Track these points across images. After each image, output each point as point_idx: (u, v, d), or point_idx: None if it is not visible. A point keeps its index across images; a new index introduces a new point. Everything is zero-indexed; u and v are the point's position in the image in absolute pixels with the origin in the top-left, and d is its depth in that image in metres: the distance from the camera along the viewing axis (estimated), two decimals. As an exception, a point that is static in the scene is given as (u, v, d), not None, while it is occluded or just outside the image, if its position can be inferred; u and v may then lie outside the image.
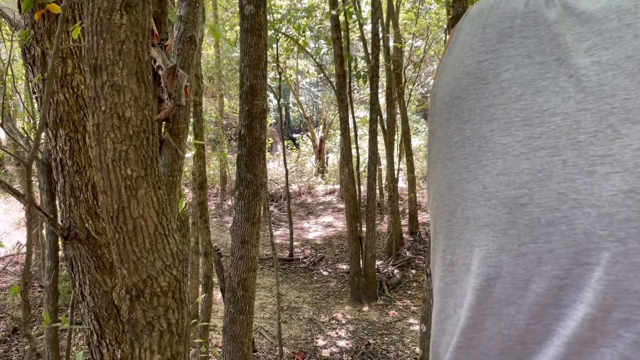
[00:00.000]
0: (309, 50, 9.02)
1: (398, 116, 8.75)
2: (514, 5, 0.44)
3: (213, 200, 12.56)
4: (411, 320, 5.69)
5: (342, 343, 5.20)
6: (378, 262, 7.25)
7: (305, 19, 7.22)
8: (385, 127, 7.59)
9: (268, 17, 4.42)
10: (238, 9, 3.09)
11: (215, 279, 4.25)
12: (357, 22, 6.81)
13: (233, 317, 2.93)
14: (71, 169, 1.58)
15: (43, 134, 1.54)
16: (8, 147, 6.31)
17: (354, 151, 6.78)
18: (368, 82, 6.36)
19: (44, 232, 4.24)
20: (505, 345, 0.38)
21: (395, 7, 7.99)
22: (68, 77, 1.54)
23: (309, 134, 15.72)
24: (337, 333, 5.45)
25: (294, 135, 19.43)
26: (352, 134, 6.83)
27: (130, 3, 0.92)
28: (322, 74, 12.03)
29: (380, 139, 7.98)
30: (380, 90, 7.70)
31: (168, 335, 1.08)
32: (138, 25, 0.94)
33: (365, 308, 6.09)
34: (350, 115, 6.54)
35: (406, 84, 8.83)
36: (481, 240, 0.39)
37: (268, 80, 4.60)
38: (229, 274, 2.97)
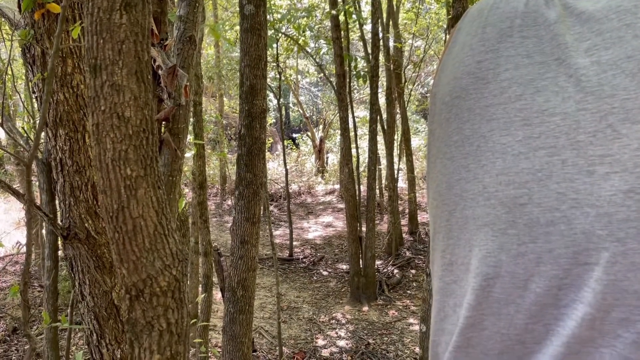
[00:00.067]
0: (309, 50, 9.02)
1: (398, 116, 8.75)
2: (513, 5, 0.44)
3: (213, 200, 12.56)
4: (411, 320, 5.70)
5: (341, 343, 5.20)
6: (378, 262, 7.26)
7: (305, 18, 7.22)
8: (385, 127, 7.60)
9: (268, 16, 4.42)
10: (238, 8, 3.09)
11: (215, 279, 4.25)
12: (357, 22, 6.81)
13: (233, 316, 2.93)
14: (71, 169, 1.58)
15: (43, 134, 1.54)
16: (8, 146, 6.31)
17: (353, 151, 6.78)
18: (368, 82, 6.36)
19: (43, 231, 4.24)
20: (504, 344, 0.38)
21: (395, 7, 7.99)
22: (68, 76, 1.54)
23: (309, 133, 15.73)
24: (336, 333, 5.45)
25: (294, 135, 19.43)
26: (352, 133, 6.83)
27: (130, 3, 0.92)
28: (322, 74, 12.04)
29: (380, 138, 7.98)
30: (380, 90, 7.70)
31: (167, 335, 1.08)
32: (138, 25, 0.94)
33: (365, 308, 6.09)
34: (350, 115, 6.54)
35: (406, 83, 8.83)
36: (480, 240, 0.40)
37: (268, 80, 4.60)
38: (229, 273, 2.97)
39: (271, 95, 13.60)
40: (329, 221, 10.76)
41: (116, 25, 0.92)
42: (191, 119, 3.62)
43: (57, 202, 1.71)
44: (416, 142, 14.22)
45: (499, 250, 0.38)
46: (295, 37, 7.43)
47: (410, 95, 10.81)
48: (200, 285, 4.02)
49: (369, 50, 6.43)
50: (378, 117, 6.58)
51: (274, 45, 7.08)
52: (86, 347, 1.75)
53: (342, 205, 10.99)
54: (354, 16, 6.36)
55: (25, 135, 1.96)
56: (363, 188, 8.63)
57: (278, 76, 8.29)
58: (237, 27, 7.88)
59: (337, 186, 12.93)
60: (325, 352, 5.00)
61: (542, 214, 0.37)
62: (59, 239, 1.87)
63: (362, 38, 7.17)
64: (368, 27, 7.44)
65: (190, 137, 3.87)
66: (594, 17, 0.40)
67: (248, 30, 2.75)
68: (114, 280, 1.63)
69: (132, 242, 1.00)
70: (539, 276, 0.36)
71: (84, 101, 1.56)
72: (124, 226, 0.99)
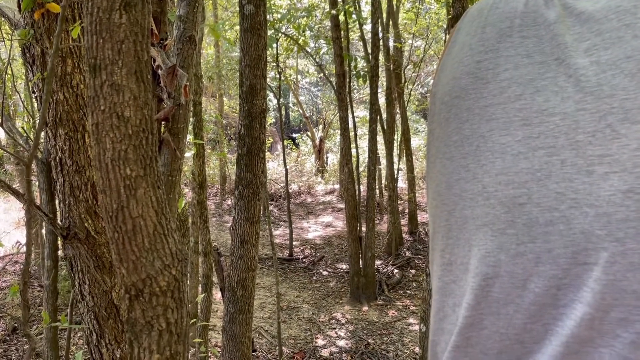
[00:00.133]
0: (309, 50, 9.02)
1: (398, 116, 8.75)
2: (513, 5, 0.44)
3: (213, 200, 12.56)
4: (411, 320, 5.70)
5: (341, 343, 5.20)
6: (377, 262, 7.26)
7: (305, 18, 7.22)
8: (385, 127, 7.60)
9: (268, 16, 4.42)
10: (238, 8, 3.09)
11: (214, 279, 4.25)
12: (357, 22, 6.81)
13: (232, 316, 2.93)
14: (71, 169, 1.58)
15: (42, 134, 1.54)
16: (8, 146, 6.31)
17: (353, 151, 6.78)
18: (368, 81, 6.36)
19: (43, 231, 4.24)
20: (503, 344, 0.38)
21: (395, 7, 7.99)
22: (67, 76, 1.54)
23: (309, 133, 15.73)
24: (336, 333, 5.45)
25: (294, 135, 19.44)
26: (351, 133, 6.83)
27: (129, 2, 0.92)
28: (321, 74, 12.03)
29: (380, 138, 7.98)
30: (380, 90, 7.70)
31: (167, 334, 1.08)
32: (137, 25, 0.94)
33: (365, 308, 6.09)
34: (350, 115, 6.54)
35: (406, 83, 8.84)
36: (480, 240, 0.40)
37: (268, 79, 4.59)
38: (229, 273, 2.97)
39: (271, 95, 13.60)
40: (328, 221, 10.77)
41: (116, 25, 0.92)
42: (191, 119, 3.62)
43: (56, 201, 1.71)
44: (416, 142, 14.22)
45: (498, 250, 0.38)
46: (295, 37, 7.43)
47: (410, 95, 10.82)
48: (200, 285, 4.02)
49: (369, 50, 6.43)
50: (378, 117, 6.58)
51: (274, 45, 7.08)
52: (86, 346, 1.75)
53: (341, 205, 10.99)
54: (353, 16, 6.36)
55: (25, 134, 1.96)
56: (363, 188, 8.63)
57: (278, 76, 8.29)
58: (237, 27, 7.88)
59: (337, 186, 12.93)
60: (325, 352, 5.00)
61: (541, 213, 0.37)
62: (59, 238, 1.87)
63: (362, 38, 7.17)
64: (368, 27, 7.44)
65: (190, 137, 3.87)
66: (594, 17, 0.40)
67: (248, 30, 2.75)
68: (114, 280, 1.63)
69: (131, 241, 1.00)
70: (538, 276, 0.36)
71: (83, 101, 1.56)
72: (124, 226, 0.99)
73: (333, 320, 5.79)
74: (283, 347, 4.85)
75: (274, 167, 14.47)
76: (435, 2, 8.69)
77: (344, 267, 7.56)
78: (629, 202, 0.33)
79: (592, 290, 0.34)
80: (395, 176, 7.93)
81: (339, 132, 7.92)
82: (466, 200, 0.42)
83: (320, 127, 16.21)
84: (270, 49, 6.96)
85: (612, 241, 0.34)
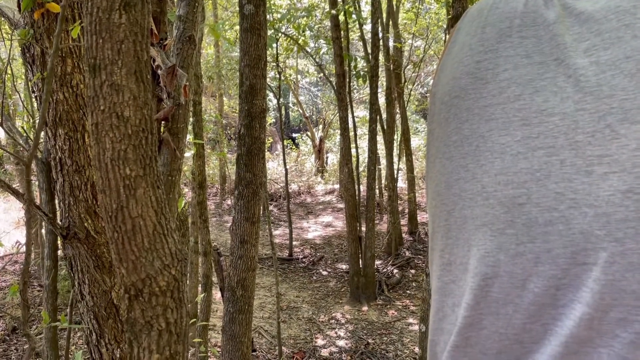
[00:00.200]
0: (309, 50, 9.02)
1: (398, 116, 8.75)
2: (513, 6, 0.44)
3: (212, 200, 12.56)
4: (410, 320, 5.70)
5: (341, 343, 5.20)
6: (377, 262, 7.26)
7: (305, 18, 7.22)
8: (385, 127, 7.60)
9: (268, 16, 4.42)
10: (238, 8, 3.09)
11: (214, 279, 4.25)
12: (356, 22, 6.81)
13: (232, 316, 2.93)
14: (70, 168, 1.58)
15: (42, 133, 1.54)
16: (7, 146, 6.31)
17: (353, 151, 6.78)
18: (368, 81, 6.36)
19: (43, 231, 4.24)
20: (502, 344, 0.38)
21: (395, 7, 7.99)
22: (67, 76, 1.54)
23: (309, 133, 15.73)
24: (336, 333, 5.45)
25: (294, 135, 19.44)
26: (351, 133, 6.83)
27: (129, 2, 0.92)
28: (321, 74, 12.04)
29: (379, 138, 7.98)
30: (379, 90, 7.70)
31: (167, 334, 1.08)
32: (137, 25, 0.94)
33: (365, 308, 6.09)
34: (349, 115, 6.54)
35: (406, 83, 8.84)
36: (479, 240, 0.40)
37: (268, 79, 4.59)
38: (228, 273, 2.97)
39: (271, 95, 13.60)
40: (328, 221, 10.77)
41: (115, 25, 0.92)
42: (191, 119, 3.62)
43: (56, 201, 1.71)
44: (416, 142, 14.23)
45: (497, 250, 0.38)
46: (295, 36, 7.43)
47: (410, 95, 10.82)
48: (200, 285, 4.02)
49: (369, 50, 6.43)
50: (378, 117, 6.58)
51: (274, 45, 7.08)
52: (85, 346, 1.75)
53: (341, 205, 10.99)
54: (353, 16, 6.36)
55: (24, 134, 1.96)
56: (363, 188, 8.63)
57: (278, 76, 8.29)
58: (237, 27, 7.88)
59: (337, 186, 12.94)
60: (324, 352, 5.00)
61: (540, 213, 0.37)
62: (59, 238, 1.87)
63: (362, 38, 7.17)
64: (368, 27, 7.44)
65: (189, 137, 3.87)
66: (593, 18, 0.40)
67: (248, 30, 2.75)
68: (114, 280, 1.63)
69: (131, 241, 1.00)
70: (537, 276, 0.36)
71: (83, 101, 1.56)
72: (123, 226, 0.99)
73: (333, 320, 5.79)
74: (283, 347, 4.85)
75: (273, 167, 14.47)
76: (435, 2, 8.69)
77: (344, 267, 7.56)
78: (628, 202, 0.33)
79: (591, 291, 0.34)
80: (395, 176, 7.94)
81: (338, 132, 7.92)
82: (465, 200, 0.42)
83: (320, 127, 16.21)
84: (270, 49, 6.96)
85: (611, 241, 0.34)
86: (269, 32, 5.67)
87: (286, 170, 8.04)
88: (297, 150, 17.12)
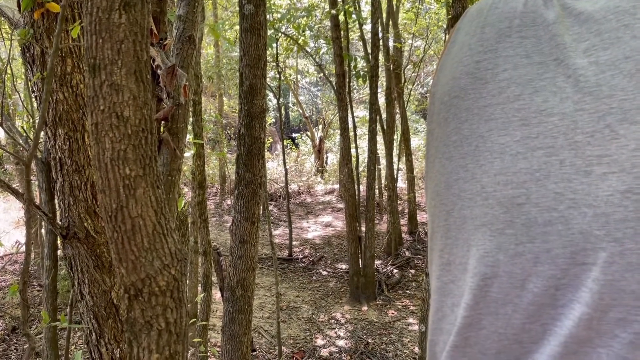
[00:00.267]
0: (309, 50, 9.02)
1: (397, 116, 8.75)
2: (512, 6, 0.44)
3: (212, 200, 12.56)
4: (410, 320, 5.70)
5: (341, 343, 5.20)
6: (377, 262, 7.26)
7: (305, 18, 7.22)
8: (385, 127, 7.60)
9: (268, 16, 4.42)
10: (238, 8, 3.09)
11: (214, 278, 4.25)
12: (356, 22, 6.81)
13: (232, 316, 2.93)
14: (70, 168, 1.58)
15: (42, 133, 1.54)
16: (7, 146, 6.31)
17: (353, 151, 6.78)
18: (367, 81, 6.36)
19: (43, 231, 4.24)
20: (501, 344, 0.38)
21: (395, 7, 7.99)
22: (67, 76, 1.54)
23: (309, 133, 15.73)
24: (336, 332, 5.45)
25: (294, 135, 19.44)
26: (351, 133, 6.83)
27: (129, 2, 0.92)
28: (321, 74, 12.03)
29: (379, 138, 7.98)
30: (379, 90, 7.70)
31: (166, 334, 1.08)
32: (137, 25, 0.94)
33: (364, 308, 6.09)
34: (349, 115, 6.54)
35: (406, 83, 8.84)
36: (478, 240, 0.40)
37: (267, 79, 4.59)
38: (228, 273, 2.97)
39: (271, 95, 13.60)
40: (328, 221, 10.77)
41: (115, 25, 0.92)
42: (190, 119, 3.62)
43: (56, 201, 1.70)
44: (416, 142, 14.23)
45: (496, 250, 0.38)
46: (295, 36, 7.43)
47: (409, 95, 10.82)
48: (200, 285, 4.02)
49: (369, 50, 6.43)
50: (377, 117, 6.58)
51: (274, 45, 7.08)
52: (85, 346, 1.75)
53: (341, 205, 10.99)
54: (353, 16, 6.36)
55: (24, 134, 1.96)
56: (362, 188, 8.63)
57: (278, 76, 8.29)
58: (237, 27, 7.88)
59: (337, 186, 12.94)
60: (324, 352, 5.00)
61: (539, 214, 0.37)
62: (58, 238, 1.87)
63: (361, 38, 7.17)
64: (368, 27, 7.44)
65: (189, 137, 3.87)
66: (593, 18, 0.40)
67: (247, 29, 2.75)
68: (113, 280, 1.63)
69: (131, 241, 1.00)
70: (536, 276, 0.36)
71: (83, 100, 1.56)
72: (123, 225, 0.99)
73: (332, 320, 5.79)
74: (282, 347, 4.85)
75: (273, 166, 14.47)
76: (435, 2, 8.70)
77: (344, 267, 7.56)
78: (627, 202, 0.33)
79: (590, 291, 0.34)
80: (395, 176, 7.94)
81: (338, 132, 7.92)
82: (465, 200, 0.42)
83: (320, 127, 16.21)
84: (270, 49, 6.95)
85: (610, 241, 0.34)
86: (269, 32, 5.67)
87: (286, 170, 8.04)
88: (297, 150, 17.12)
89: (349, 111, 6.51)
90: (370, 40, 6.26)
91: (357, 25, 7.35)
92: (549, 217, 0.36)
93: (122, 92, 0.94)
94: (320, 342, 5.24)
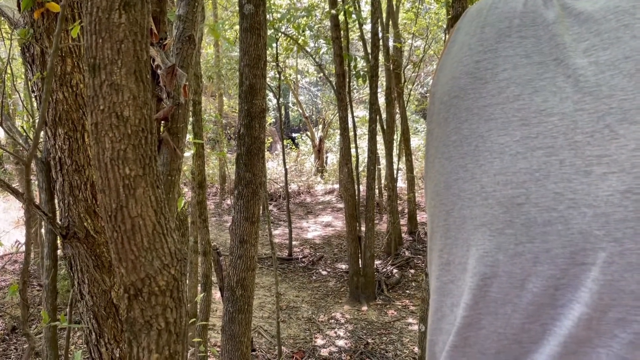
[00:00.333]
0: (309, 50, 9.02)
1: (397, 116, 8.75)
2: (512, 5, 0.44)
3: (212, 200, 12.56)
4: (410, 320, 5.70)
5: (340, 342, 5.21)
6: (377, 262, 7.26)
7: (304, 18, 7.22)
8: (385, 127, 7.60)
9: (268, 16, 4.42)
10: (238, 8, 3.09)
11: (214, 278, 4.25)
12: (356, 22, 6.81)
13: (232, 316, 2.93)
14: (70, 168, 1.58)
15: (42, 133, 1.54)
16: (7, 145, 6.31)
17: (353, 151, 6.78)
18: (367, 81, 6.36)
19: (42, 230, 4.24)
20: (501, 344, 0.38)
21: (394, 7, 7.99)
22: (67, 75, 1.54)
23: (309, 133, 15.73)
24: (335, 332, 5.45)
25: (294, 135, 19.44)
26: (351, 133, 6.83)
27: (129, 2, 0.92)
28: (321, 74, 12.03)
29: (379, 138, 7.98)
30: (379, 90, 7.70)
31: (166, 334, 1.08)
32: (137, 25, 0.94)
33: (364, 307, 6.09)
34: (349, 115, 6.54)
35: (405, 83, 8.84)
36: (478, 240, 0.40)
37: (267, 79, 4.59)
38: (228, 273, 2.97)
39: (271, 95, 13.60)
40: (328, 221, 10.77)
41: (115, 25, 0.92)
42: (190, 119, 3.62)
43: (56, 201, 1.70)
44: (415, 142, 14.24)
45: (496, 250, 0.38)
46: (294, 36, 7.43)
47: (409, 95, 10.82)
48: (199, 285, 4.02)
49: (369, 50, 6.42)
50: (377, 117, 6.58)
51: (274, 45, 7.08)
52: (85, 346, 1.75)
53: (341, 205, 10.99)
54: (353, 16, 6.36)
55: (24, 134, 1.96)
56: (362, 188, 8.63)
57: (278, 76, 8.29)
58: (237, 27, 7.88)
59: (337, 186, 12.94)
60: (324, 352, 5.00)
61: (539, 213, 0.37)
62: (58, 238, 1.87)
63: (361, 38, 7.17)
64: (368, 27, 7.44)
65: (189, 137, 3.87)
66: (593, 18, 0.40)
67: (247, 29, 2.75)
68: (113, 280, 1.63)
69: (130, 241, 1.00)
70: (536, 276, 0.36)
71: (83, 100, 1.56)
72: (123, 225, 0.99)
73: (332, 320, 5.79)
74: (282, 347, 4.85)
75: (273, 166, 14.47)
76: (435, 2, 8.70)
77: (344, 266, 7.56)
78: (627, 202, 0.33)
79: (590, 291, 0.34)
80: (395, 176, 7.94)
81: (338, 132, 7.92)
82: (464, 200, 0.42)
83: (320, 126, 16.21)
84: (270, 49, 6.95)
85: (610, 241, 0.34)
86: (269, 32, 5.67)
87: (286, 170, 8.04)
88: (296, 150, 17.12)
89: (349, 111, 6.51)
90: (370, 40, 6.26)
91: (357, 25, 7.35)
92: (548, 217, 0.36)
93: (122, 91, 0.94)
94: (320, 342, 5.24)
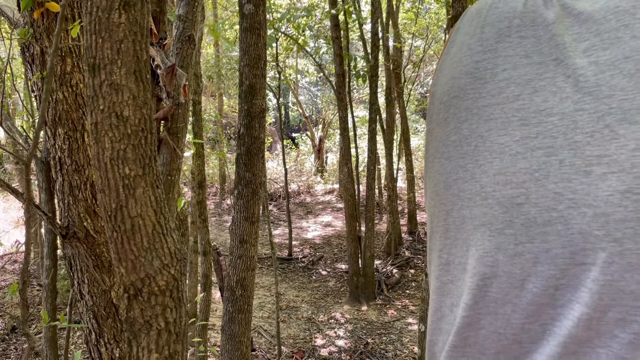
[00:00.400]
0: (309, 50, 9.02)
1: (397, 116, 8.76)
2: (512, 5, 0.44)
3: (212, 200, 12.56)
4: (410, 320, 5.70)
5: (340, 342, 5.21)
6: (377, 262, 7.26)
7: (304, 18, 7.22)
8: (385, 127, 7.60)
9: (267, 16, 4.41)
10: (237, 7, 3.09)
11: (214, 278, 4.25)
12: (356, 22, 6.81)
13: (232, 316, 2.93)
14: (70, 168, 1.58)
15: (42, 133, 1.54)
16: (7, 145, 6.31)
17: (353, 151, 6.78)
18: (367, 81, 6.36)
19: (42, 230, 4.24)
20: (501, 344, 0.38)
21: (394, 7, 7.99)
22: (67, 75, 1.54)
23: (308, 133, 15.73)
24: (335, 332, 5.45)
25: (293, 135, 19.44)
26: (351, 133, 6.83)
27: (128, 2, 0.92)
28: (321, 74, 12.03)
29: (379, 138, 7.98)
30: (379, 90, 7.70)
31: (166, 334, 1.08)
32: (136, 24, 0.94)
33: (364, 307, 6.09)
34: (349, 115, 6.54)
35: (405, 83, 8.83)
36: (477, 240, 0.40)
37: (267, 79, 4.59)
38: (228, 273, 2.97)
39: (270, 95, 13.60)
40: (328, 221, 10.77)
41: (115, 25, 0.92)
42: (190, 118, 3.62)
43: (56, 201, 1.70)
44: (415, 141, 14.24)
45: (495, 250, 0.38)
46: (294, 36, 7.43)
47: (409, 95, 10.82)
48: (199, 285, 4.02)
49: (369, 50, 6.42)
50: (377, 117, 6.58)
51: (274, 45, 7.08)
52: (85, 346, 1.75)
53: (341, 205, 10.99)
54: (353, 16, 6.36)
55: (24, 134, 1.96)
56: (362, 188, 8.63)
57: (277, 75, 8.29)
58: (237, 27, 7.88)
59: (337, 186, 12.94)
60: (324, 352, 5.00)
61: (539, 213, 0.37)
62: (58, 237, 1.87)
63: (361, 37, 7.17)
64: (368, 27, 7.44)
65: (189, 136, 3.87)
66: (593, 18, 0.40)
67: (247, 29, 2.75)
68: (113, 279, 1.63)
69: (130, 241, 1.00)
70: (535, 276, 0.36)
71: (83, 100, 1.56)
72: (123, 225, 0.99)
73: (332, 320, 5.79)
74: (282, 347, 4.85)
75: (273, 166, 14.47)
76: (435, 2, 8.70)
77: (343, 266, 7.56)
78: (627, 202, 0.33)
79: (589, 291, 0.34)
80: (395, 176, 7.94)
81: (338, 131, 7.92)
82: (464, 200, 0.42)
83: (320, 126, 16.21)
84: (269, 49, 6.95)
85: (610, 241, 0.34)
86: (269, 32, 5.67)
87: (286, 170, 8.04)
88: (296, 150, 17.12)
89: (349, 111, 6.51)
90: (370, 40, 6.26)
91: (357, 25, 7.35)
92: (548, 217, 0.36)
93: (121, 91, 0.94)
94: (319, 341, 5.24)
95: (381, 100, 8.48)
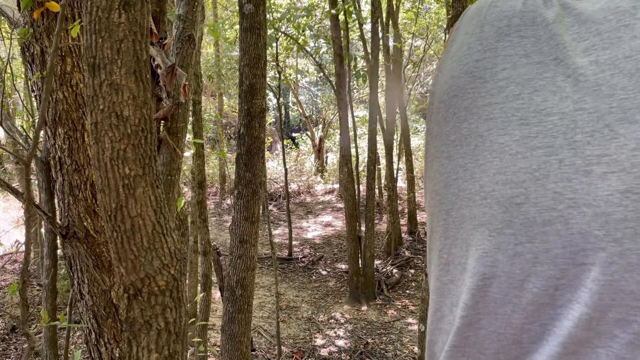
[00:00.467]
0: (309, 50, 9.02)
1: (397, 116, 8.76)
2: (512, 5, 0.44)
3: (212, 199, 12.56)
4: (410, 320, 5.70)
5: (340, 342, 5.20)
6: (377, 262, 7.26)
7: (305, 18, 7.21)
8: (385, 127, 7.60)
9: (268, 15, 4.41)
10: (237, 7, 3.09)
11: (214, 278, 4.25)
12: (356, 22, 6.81)
13: (232, 316, 2.93)
14: (70, 168, 1.58)
15: (42, 132, 1.54)
16: (7, 145, 6.31)
17: (353, 150, 6.78)
18: (367, 81, 6.36)
19: (42, 230, 4.24)
20: (500, 344, 0.38)
21: (395, 7, 7.99)
22: (67, 75, 1.54)
23: (309, 133, 15.73)
24: (335, 332, 5.45)
25: (294, 135, 19.44)
26: (351, 133, 6.83)
27: (128, 2, 0.92)
28: (321, 73, 12.03)
29: (379, 138, 7.98)
30: (379, 90, 7.69)
31: (166, 334, 1.08)
32: (136, 24, 0.94)
33: (364, 307, 6.09)
34: (349, 115, 6.54)
35: (405, 83, 8.83)
36: (477, 240, 0.39)
37: (267, 79, 4.59)
38: (228, 273, 2.97)
39: (271, 95, 13.60)
40: (328, 221, 10.76)
41: (115, 25, 0.92)
42: (190, 118, 3.62)
43: (56, 200, 1.70)
44: (415, 141, 14.24)
45: (495, 250, 0.38)
46: (294, 36, 7.43)
47: (409, 95, 10.81)
48: (199, 285, 4.02)
49: (369, 50, 6.42)
50: (377, 117, 6.58)
51: (274, 45, 7.08)
52: (85, 345, 1.75)
53: (341, 205, 10.99)
54: (353, 15, 6.36)
55: (24, 133, 1.96)
56: (362, 187, 8.63)
57: (278, 75, 8.29)
58: (237, 26, 7.88)
59: (337, 186, 12.94)
60: (324, 352, 5.00)
61: (539, 213, 0.37)
62: (58, 237, 1.87)
63: (361, 37, 7.17)
64: (368, 27, 7.44)
65: (189, 136, 3.87)
66: (593, 18, 0.40)
67: (247, 29, 2.75)
68: (113, 279, 1.63)
69: (130, 241, 1.00)
70: (535, 276, 0.36)
71: (83, 100, 1.56)
72: (123, 225, 0.99)
73: (332, 320, 5.79)
74: (282, 347, 4.85)
75: (273, 166, 14.47)
76: (435, 1, 8.70)
77: (343, 266, 7.56)
78: (627, 202, 0.33)
79: (589, 291, 0.34)
80: (395, 176, 7.94)
81: (338, 131, 7.92)
82: (464, 199, 0.41)
83: (320, 126, 16.21)
84: (270, 48, 6.95)
85: (610, 241, 0.34)
86: (269, 32, 5.67)
87: (286, 169, 8.04)
88: (296, 150, 17.11)
89: (349, 111, 6.51)
90: (370, 40, 6.26)
91: (357, 25, 7.35)
92: (548, 217, 0.36)
93: (121, 91, 0.94)
94: (319, 341, 5.24)
95: (381, 100, 8.48)
